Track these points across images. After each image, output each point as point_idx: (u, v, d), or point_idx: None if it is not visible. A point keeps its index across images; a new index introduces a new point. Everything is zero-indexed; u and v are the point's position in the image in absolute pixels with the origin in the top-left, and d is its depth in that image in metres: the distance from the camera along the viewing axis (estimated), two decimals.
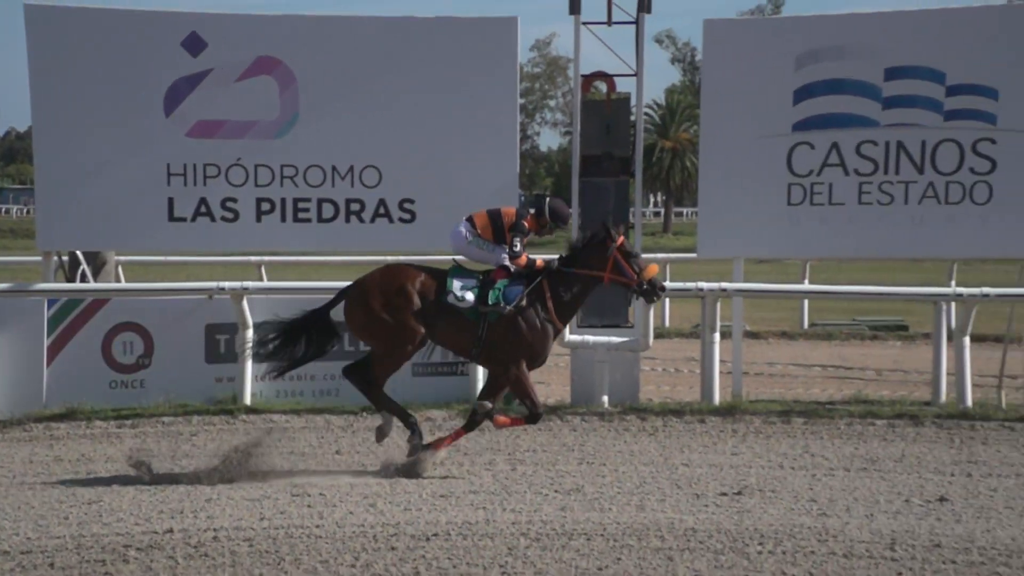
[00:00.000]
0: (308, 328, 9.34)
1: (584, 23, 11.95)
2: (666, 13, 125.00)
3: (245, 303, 11.24)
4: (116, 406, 11.02)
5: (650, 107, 60.83)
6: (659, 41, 74.86)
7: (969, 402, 11.08)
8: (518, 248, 9.04)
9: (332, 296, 9.37)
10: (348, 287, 9.33)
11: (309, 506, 7.60)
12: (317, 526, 7.09)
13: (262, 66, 11.73)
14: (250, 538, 6.86)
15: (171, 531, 7.03)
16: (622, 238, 8.98)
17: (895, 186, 11.59)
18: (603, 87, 12.44)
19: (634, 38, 12.17)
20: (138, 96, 11.65)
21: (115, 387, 11.38)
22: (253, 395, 11.32)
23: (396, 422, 8.96)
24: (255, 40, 11.80)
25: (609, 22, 12.04)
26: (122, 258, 15.85)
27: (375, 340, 9.14)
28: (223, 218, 11.86)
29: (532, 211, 9.38)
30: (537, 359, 9.04)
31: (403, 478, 8.55)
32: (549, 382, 12.85)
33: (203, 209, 11.83)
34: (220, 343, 11.61)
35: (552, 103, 79.89)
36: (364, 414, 10.82)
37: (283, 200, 11.88)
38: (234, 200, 11.79)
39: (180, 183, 11.73)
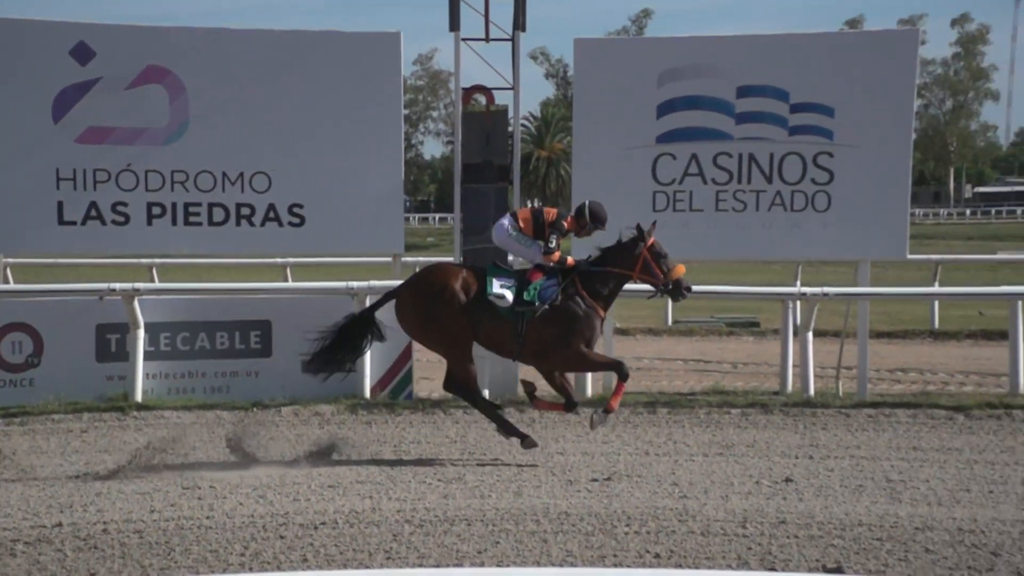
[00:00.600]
0: (353, 328, 9.22)
1: (464, 40, 12.01)
2: (540, 31, 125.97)
3: (136, 304, 11.03)
4: (5, 404, 10.71)
5: (526, 119, 61.32)
6: (534, 57, 75.66)
7: (812, 391, 11.39)
8: (553, 244, 8.99)
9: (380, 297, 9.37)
10: (396, 289, 9.26)
11: (200, 498, 7.50)
12: (207, 517, 6.99)
13: (152, 75, 11.49)
14: (140, 530, 6.73)
15: (60, 525, 6.86)
16: (653, 239, 8.97)
17: (747, 194, 11.80)
18: (482, 100, 12.47)
19: (510, 54, 12.22)
20: (26, 103, 11.32)
21: (4, 386, 11.07)
22: (144, 392, 11.10)
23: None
24: (144, 50, 11.52)
25: (487, 39, 12.09)
26: (11, 260, 15.35)
27: (429, 340, 9.08)
28: (114, 221, 11.59)
29: (572, 212, 9.38)
30: (592, 342, 8.96)
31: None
32: (433, 378, 12.87)
33: (93, 213, 11.55)
34: (111, 342, 11.35)
35: (435, 114, 79.96)
36: (255, 410, 10.71)
37: (174, 204, 11.65)
38: (125, 204, 11.54)
39: (70, 187, 11.44)
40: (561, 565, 6.08)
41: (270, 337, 11.53)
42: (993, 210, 73.25)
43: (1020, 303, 11.44)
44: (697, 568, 6.04)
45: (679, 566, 6.08)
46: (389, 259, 12.44)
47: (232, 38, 11.89)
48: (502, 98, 12.39)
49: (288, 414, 10.64)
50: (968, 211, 74.40)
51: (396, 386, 11.48)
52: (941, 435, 9.78)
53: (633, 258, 8.97)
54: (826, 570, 5.94)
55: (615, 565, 6.06)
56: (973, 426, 10.07)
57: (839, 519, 6.81)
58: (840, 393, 11.63)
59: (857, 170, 11.63)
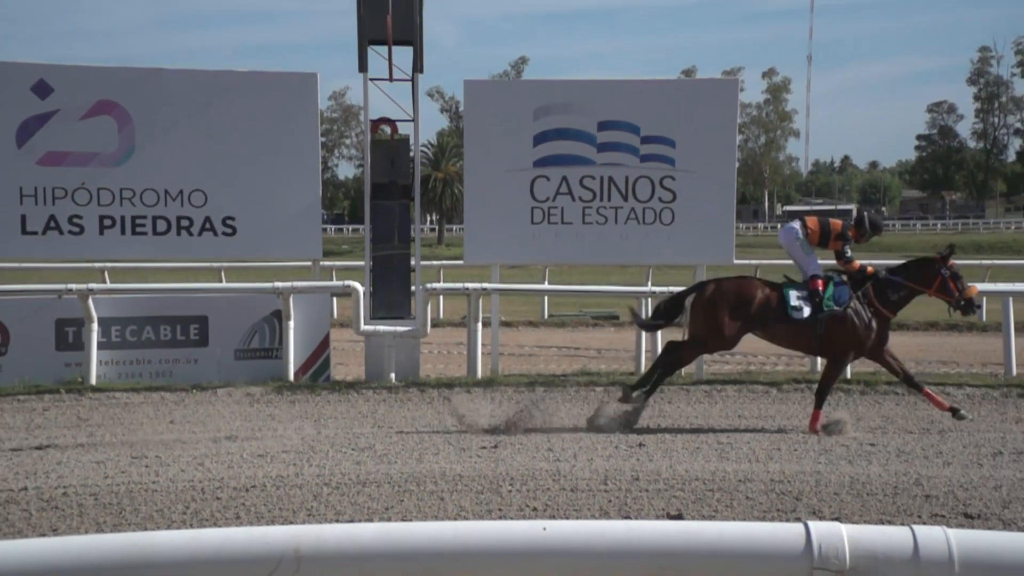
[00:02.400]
0: (670, 306, 9.02)
1: (371, 79, 11.95)
2: (435, 73, 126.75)
3: (91, 301, 10.68)
4: None
5: (425, 146, 61.17)
6: (430, 95, 75.65)
7: None
8: (849, 253, 8.68)
9: (688, 287, 9.25)
10: (705, 283, 8.97)
11: (147, 466, 7.26)
12: (153, 482, 6.78)
13: (102, 108, 11.32)
14: (95, 493, 6.49)
15: (25, 489, 6.58)
16: (952, 262, 8.61)
17: (608, 210, 11.95)
18: (388, 129, 12.40)
19: (411, 92, 12.20)
20: None
21: None
22: (98, 377, 10.76)
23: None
24: (96, 86, 11.34)
25: (391, 79, 12.03)
26: None
27: (705, 329, 8.71)
28: (70, 232, 11.38)
29: (852, 222, 8.98)
30: (864, 347, 8.62)
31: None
32: (347, 363, 12.73)
33: (52, 224, 11.35)
34: (69, 334, 11.03)
35: (347, 141, 79.19)
36: (194, 391, 10.44)
37: (123, 217, 11.47)
38: (80, 217, 11.35)
39: (31, 203, 11.22)
40: (455, 519, 6.07)
41: (207, 330, 11.27)
42: None
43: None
44: (567, 519, 6.10)
45: (553, 517, 6.12)
46: (309, 263, 12.28)
47: (172, 76, 11.68)
48: (404, 128, 12.40)
49: (223, 395, 10.39)
50: (778, 225, 76.60)
51: (316, 370, 11.31)
52: (760, 405, 10.04)
53: (931, 276, 8.60)
54: (670, 516, 6.03)
55: (500, 518, 6.07)
56: (784, 398, 10.35)
57: (680, 475, 6.91)
58: (682, 372, 11.83)
59: (694, 191, 11.89)
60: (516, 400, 9.70)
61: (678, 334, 9.23)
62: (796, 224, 9.04)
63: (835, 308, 8.54)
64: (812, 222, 8.99)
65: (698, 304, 8.81)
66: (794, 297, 8.60)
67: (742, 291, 8.70)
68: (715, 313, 8.65)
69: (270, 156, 11.62)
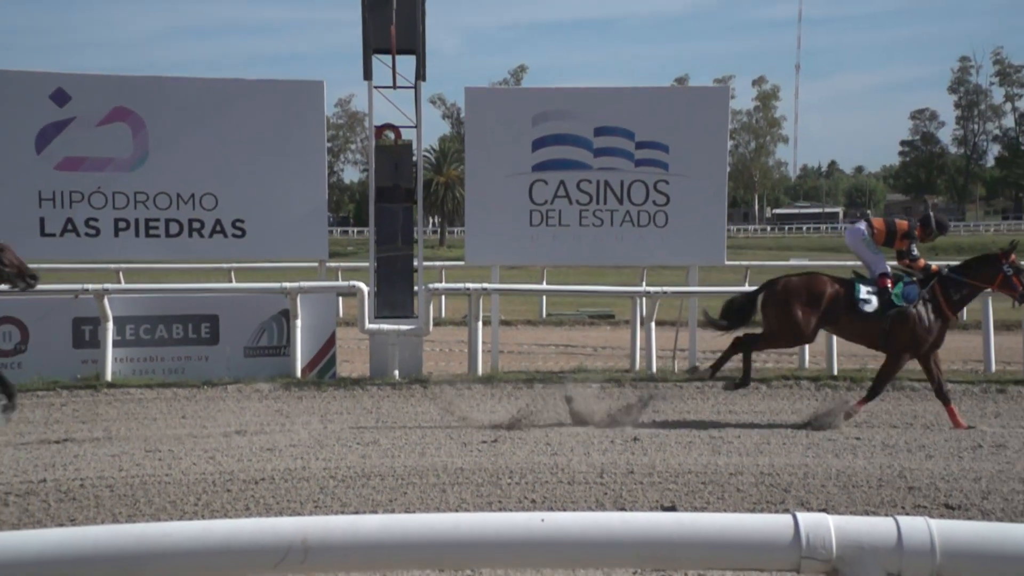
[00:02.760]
0: (742, 305, 8.97)
1: (376, 87, 11.94)
2: (437, 81, 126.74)
3: (106, 301, 10.68)
4: None
5: (427, 151, 61.05)
6: (433, 102, 75.79)
7: (655, 369, 11.54)
8: (915, 252, 8.59)
9: (757, 286, 9.16)
10: (774, 281, 8.89)
11: (160, 460, 7.27)
12: (166, 475, 6.78)
13: (117, 115, 11.35)
14: (111, 485, 6.50)
15: (44, 481, 6.60)
16: (1013, 256, 8.50)
17: (604, 213, 11.95)
18: (391, 135, 12.40)
19: (414, 99, 12.20)
20: (13, 138, 11.13)
21: None
22: (113, 373, 10.76)
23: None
24: (111, 94, 11.36)
25: (394, 86, 12.03)
26: None
27: (779, 324, 8.64)
28: (87, 234, 11.44)
29: (919, 222, 8.85)
30: (922, 348, 8.53)
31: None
32: (353, 361, 12.72)
33: (70, 227, 11.39)
34: (85, 332, 11.03)
35: (352, 146, 79.23)
36: (205, 387, 10.43)
37: (137, 220, 11.49)
38: (96, 220, 11.37)
39: (50, 206, 11.26)
40: (456, 511, 6.07)
41: (217, 328, 11.26)
42: (786, 227, 76.00)
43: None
44: (565, 511, 6.11)
45: (551, 509, 6.12)
46: (315, 264, 12.28)
47: (184, 85, 11.68)
48: (407, 134, 12.38)
49: (233, 391, 10.38)
50: (768, 227, 76.95)
51: (322, 367, 11.31)
52: (750, 401, 10.00)
53: (994, 273, 8.47)
54: (663, 508, 6.04)
55: (500, 510, 6.08)
56: (772, 393, 10.32)
57: (673, 468, 6.92)
58: (676, 370, 11.83)
59: (687, 195, 11.89)
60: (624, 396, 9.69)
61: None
62: (862, 225, 8.96)
63: (903, 305, 8.46)
64: (878, 222, 8.92)
65: (770, 301, 8.76)
66: (863, 291, 8.53)
67: (812, 286, 8.65)
68: (789, 308, 8.58)
69: (278, 160, 11.62)
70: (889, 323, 8.50)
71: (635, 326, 12.05)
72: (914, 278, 8.69)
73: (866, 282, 8.69)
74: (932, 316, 8.53)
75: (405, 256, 12.13)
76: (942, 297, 8.55)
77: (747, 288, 9.80)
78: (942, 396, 8.70)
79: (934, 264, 8.87)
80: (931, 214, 9.07)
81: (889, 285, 8.58)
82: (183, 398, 10.10)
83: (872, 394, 8.78)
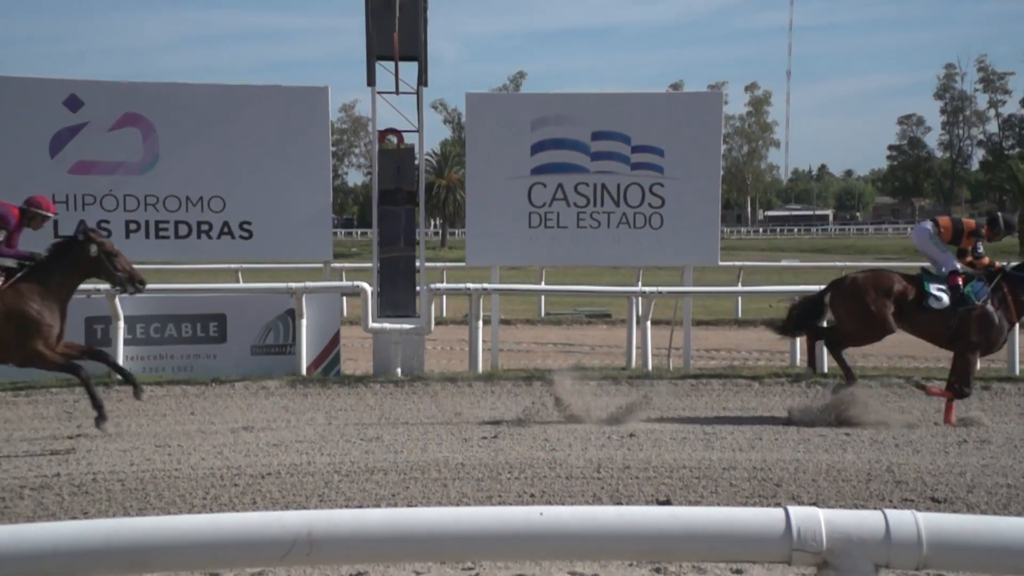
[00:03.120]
0: (808, 307, 8.84)
1: (379, 92, 11.93)
2: (439, 86, 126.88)
3: (117, 300, 10.66)
4: (13, 380, 10.23)
5: (429, 155, 60.98)
6: (434, 107, 75.68)
7: (650, 366, 11.52)
8: (980, 250, 8.46)
9: (823, 287, 9.00)
10: (840, 280, 8.74)
11: (170, 455, 7.27)
12: (176, 469, 6.78)
13: (129, 120, 11.33)
14: (122, 479, 6.50)
15: (58, 475, 6.60)
16: None
17: (601, 215, 11.93)
18: (394, 139, 12.38)
19: (416, 104, 12.19)
20: (28, 142, 11.11)
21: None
22: None
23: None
24: (123, 100, 11.35)
25: (397, 92, 12.02)
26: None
27: (856, 322, 8.48)
28: None
29: (986, 222, 8.74)
30: (992, 348, 8.46)
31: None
32: (356, 359, 12.72)
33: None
34: (97, 331, 11.01)
35: (356, 150, 79.21)
36: (213, 384, 10.43)
37: (147, 222, 11.46)
38: (107, 222, 11.29)
39: (63, 209, 11.14)
40: (457, 505, 6.07)
41: (225, 327, 11.27)
42: (778, 229, 76.01)
43: (796, 298, 11.84)
44: (562, 505, 6.10)
45: (549, 503, 6.12)
46: (320, 265, 12.27)
47: (193, 91, 11.69)
48: (410, 138, 12.35)
49: (240, 388, 10.38)
50: (760, 229, 77.01)
51: (327, 365, 11.31)
52: (743, 398, 10.00)
53: None
54: (658, 502, 6.03)
55: (499, 504, 6.07)
56: (765, 391, 10.28)
57: (668, 463, 6.91)
58: (670, 368, 11.82)
59: (681, 197, 11.89)
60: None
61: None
62: (928, 224, 8.85)
63: (975, 303, 8.35)
64: (944, 221, 8.81)
65: (840, 300, 8.64)
66: (933, 287, 8.40)
67: (880, 281, 8.54)
68: (865, 304, 8.44)
69: (284, 164, 11.61)
70: (957, 320, 8.35)
71: (631, 325, 12.05)
72: (982, 276, 8.56)
73: (934, 279, 8.54)
74: (1000, 314, 8.40)
75: (407, 257, 12.13)
76: (1010, 296, 8.42)
77: (812, 289, 9.56)
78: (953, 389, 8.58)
79: (998, 262, 8.79)
80: (1000, 214, 8.98)
81: (960, 283, 8.44)
82: (192, 395, 10.10)
83: (960, 395, 8.51)
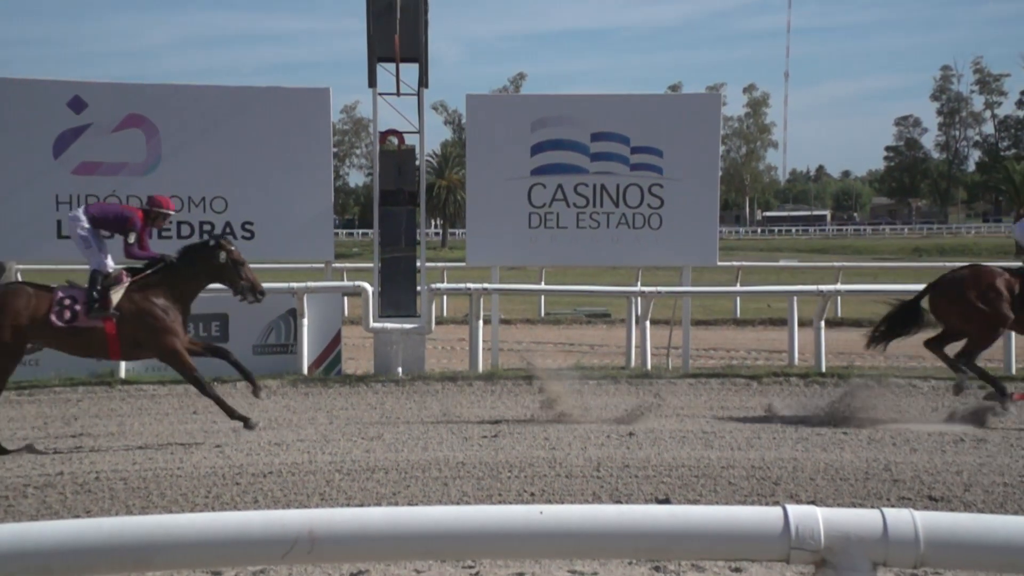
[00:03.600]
0: (904, 313, 8.59)
1: (380, 94, 11.93)
2: (440, 88, 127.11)
3: None
4: (17, 380, 10.19)
5: (430, 155, 60.98)
6: (435, 108, 75.56)
7: (649, 366, 11.51)
8: None
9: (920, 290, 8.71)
10: (936, 283, 8.50)
11: (172, 454, 7.28)
12: (178, 468, 6.78)
13: (132, 121, 11.32)
14: (125, 478, 6.51)
15: (62, 473, 6.61)
16: None
17: (600, 216, 11.93)
18: (395, 140, 12.38)
19: (417, 105, 12.18)
20: (32, 143, 11.10)
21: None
22: (127, 371, 10.74)
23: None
24: (126, 102, 11.34)
25: (398, 93, 12.02)
26: (21, 266, 14.67)
27: (970, 324, 8.24)
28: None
29: None
30: None
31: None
32: (357, 358, 12.71)
33: None
34: None
35: (357, 151, 79.19)
36: (215, 384, 10.39)
37: None
38: None
39: (67, 209, 11.09)
40: (458, 504, 6.06)
41: (227, 326, 11.28)
42: (775, 229, 76.03)
43: (795, 298, 11.86)
44: (562, 504, 6.10)
45: (549, 502, 6.12)
46: (322, 265, 12.27)
47: (196, 92, 11.70)
48: (411, 139, 12.35)
49: (242, 387, 10.32)
50: (758, 230, 77.00)
51: (328, 365, 11.31)
52: (741, 397, 9.99)
53: None
54: (658, 501, 6.03)
55: (500, 503, 6.07)
56: (764, 390, 10.21)
57: (668, 462, 6.91)
58: (669, 367, 11.81)
59: (680, 198, 11.88)
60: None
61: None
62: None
63: None
64: None
65: (944, 303, 8.43)
66: None
67: (981, 277, 8.36)
68: (971, 302, 8.24)
69: (286, 165, 11.60)
70: None
71: (630, 324, 12.04)
72: None
73: None
74: None
75: (408, 257, 12.13)
76: None
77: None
78: None
79: None
80: None
81: None
82: (194, 394, 10.01)
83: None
